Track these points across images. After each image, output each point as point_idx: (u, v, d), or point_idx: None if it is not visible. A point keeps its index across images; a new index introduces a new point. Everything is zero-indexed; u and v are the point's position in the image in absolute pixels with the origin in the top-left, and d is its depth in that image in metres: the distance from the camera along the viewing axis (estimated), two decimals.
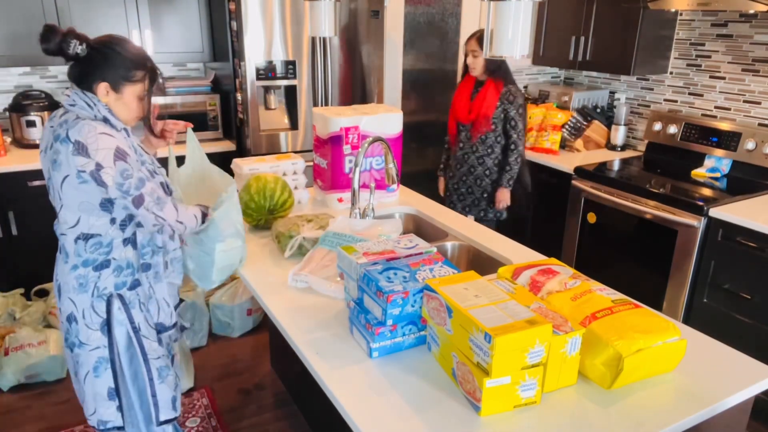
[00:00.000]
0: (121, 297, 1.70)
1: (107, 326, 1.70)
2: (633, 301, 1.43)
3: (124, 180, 1.56)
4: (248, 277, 1.81)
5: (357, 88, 3.62)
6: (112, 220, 1.64)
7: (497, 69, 2.90)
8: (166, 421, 1.82)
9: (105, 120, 1.60)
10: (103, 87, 1.60)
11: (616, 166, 3.32)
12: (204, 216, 1.78)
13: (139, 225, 1.69)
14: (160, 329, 1.82)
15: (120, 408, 1.77)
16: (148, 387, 1.77)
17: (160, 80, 1.71)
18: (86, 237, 1.63)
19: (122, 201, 1.59)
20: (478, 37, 2.87)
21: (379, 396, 1.27)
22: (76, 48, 1.55)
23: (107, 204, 1.61)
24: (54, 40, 1.53)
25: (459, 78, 3.17)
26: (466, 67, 3.02)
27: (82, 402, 1.79)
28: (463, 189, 3.11)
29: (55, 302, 1.80)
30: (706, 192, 2.86)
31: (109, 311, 1.69)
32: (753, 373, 1.36)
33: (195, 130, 2.08)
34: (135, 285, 1.72)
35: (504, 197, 3.01)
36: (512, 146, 2.93)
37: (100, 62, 1.59)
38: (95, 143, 1.52)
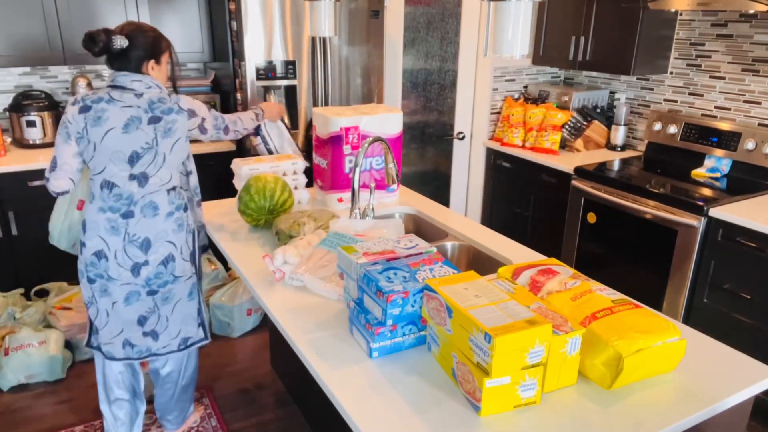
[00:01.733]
0: (195, 229, 2.16)
1: (193, 255, 2.13)
2: (633, 301, 1.43)
3: (215, 121, 2.17)
4: (248, 277, 1.82)
5: (357, 88, 3.62)
6: (182, 172, 2.11)
7: None
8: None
9: (170, 93, 2.04)
10: (151, 64, 2.01)
11: (616, 166, 3.32)
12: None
13: (190, 173, 2.18)
14: (204, 248, 2.30)
15: (201, 324, 2.22)
16: (198, 296, 2.22)
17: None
18: (174, 188, 2.05)
19: (215, 132, 2.17)
20: None
21: (379, 396, 1.27)
22: (122, 43, 1.91)
23: (186, 159, 2.11)
24: (99, 44, 1.87)
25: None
26: None
27: (160, 334, 2.13)
28: None
29: (125, 261, 2.01)
30: (706, 192, 2.86)
31: (194, 242, 2.13)
32: (753, 373, 1.36)
33: None
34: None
35: None
36: None
37: (142, 47, 1.97)
38: (196, 106, 2.06)
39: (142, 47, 1.96)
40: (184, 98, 2.04)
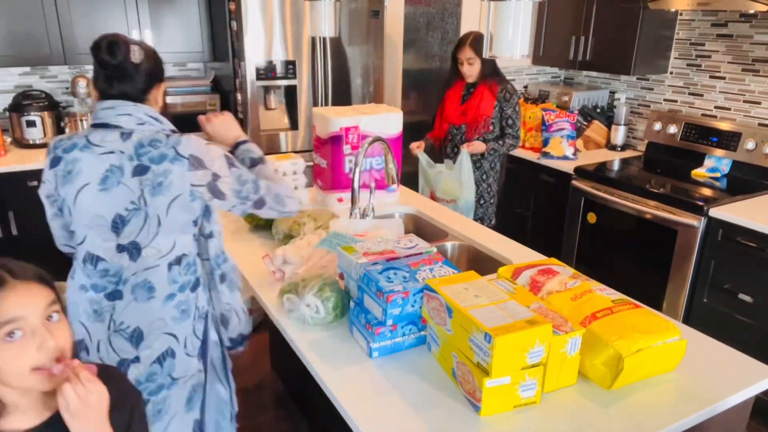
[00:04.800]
0: (210, 314, 1.61)
1: (203, 348, 1.58)
2: (633, 301, 1.43)
3: (241, 186, 1.51)
4: (248, 277, 1.82)
5: (357, 88, 3.62)
6: (193, 236, 1.53)
7: (492, 72, 2.89)
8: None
9: (173, 130, 1.51)
10: (163, 87, 1.53)
11: (616, 166, 3.32)
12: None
13: (210, 236, 1.57)
14: (239, 341, 1.75)
15: None
16: (231, 400, 1.74)
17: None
18: (178, 260, 1.50)
19: (240, 207, 1.54)
20: (471, 42, 2.81)
21: (379, 396, 1.27)
22: (139, 55, 1.45)
23: (198, 219, 1.51)
24: (120, 53, 1.42)
25: (445, 85, 3.10)
26: (454, 74, 2.97)
27: None
28: None
29: (97, 359, 1.50)
30: (706, 192, 2.86)
31: (205, 331, 1.58)
32: (753, 373, 1.36)
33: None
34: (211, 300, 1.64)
35: (478, 145, 2.88)
36: (509, 141, 2.92)
37: (155, 65, 1.50)
38: (208, 154, 1.45)
39: (152, 67, 1.48)
40: (187, 140, 1.44)
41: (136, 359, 1.50)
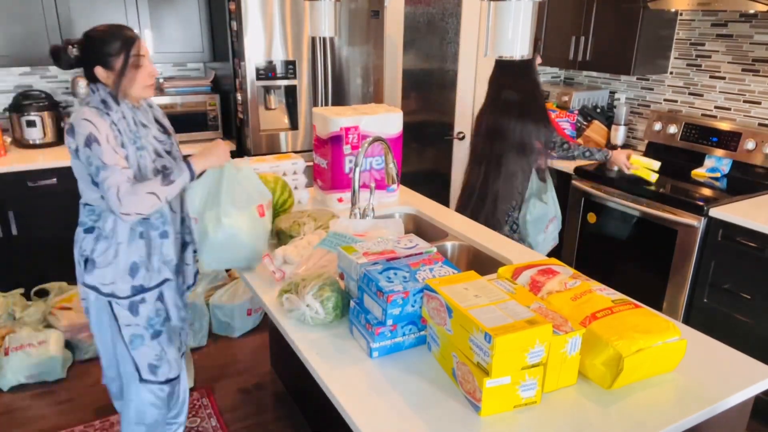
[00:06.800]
0: (92, 261, 1.88)
1: (80, 276, 1.94)
2: (633, 301, 1.43)
3: (89, 165, 1.75)
4: (248, 277, 1.82)
5: (357, 88, 3.62)
6: (102, 197, 1.79)
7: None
8: (148, 381, 2.03)
9: (103, 102, 1.79)
10: (99, 70, 1.78)
11: (616, 166, 3.31)
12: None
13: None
14: (137, 292, 1.93)
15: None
16: (125, 348, 1.96)
17: (139, 42, 1.81)
18: (85, 204, 1.90)
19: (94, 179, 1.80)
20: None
21: (379, 396, 1.27)
22: (73, 52, 1.81)
23: (92, 176, 1.79)
24: (64, 58, 1.80)
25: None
26: None
27: None
28: None
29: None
30: (706, 192, 2.86)
31: (84, 270, 1.91)
32: (753, 373, 1.36)
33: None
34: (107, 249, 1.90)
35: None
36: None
37: (87, 53, 1.79)
38: (78, 127, 1.73)
39: (85, 56, 1.80)
40: (78, 111, 1.76)
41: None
